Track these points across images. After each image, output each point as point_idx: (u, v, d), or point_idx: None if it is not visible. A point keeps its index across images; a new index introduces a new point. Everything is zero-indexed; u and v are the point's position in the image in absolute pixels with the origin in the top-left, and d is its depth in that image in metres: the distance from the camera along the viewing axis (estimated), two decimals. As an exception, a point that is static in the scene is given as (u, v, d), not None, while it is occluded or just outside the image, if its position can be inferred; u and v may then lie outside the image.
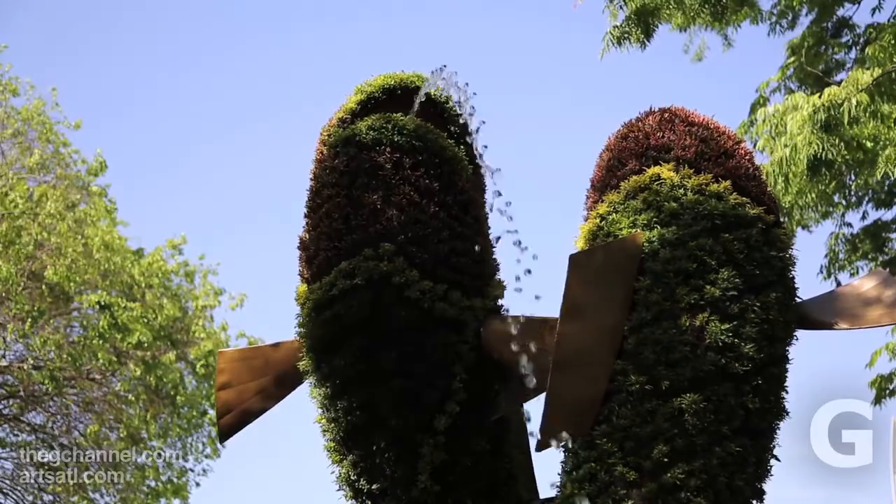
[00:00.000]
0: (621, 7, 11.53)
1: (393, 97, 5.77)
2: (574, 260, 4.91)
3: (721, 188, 5.13)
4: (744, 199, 5.15)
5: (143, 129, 33.51)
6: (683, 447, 4.66)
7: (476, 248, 5.57)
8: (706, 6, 11.49)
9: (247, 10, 35.93)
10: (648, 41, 11.56)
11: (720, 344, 4.78)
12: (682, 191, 5.12)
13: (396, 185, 5.38)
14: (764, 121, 11.79)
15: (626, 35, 11.43)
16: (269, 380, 5.91)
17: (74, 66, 33.69)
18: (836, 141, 10.02)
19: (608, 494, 4.68)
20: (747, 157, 5.43)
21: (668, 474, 4.61)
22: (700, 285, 4.87)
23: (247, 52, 36.86)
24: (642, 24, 11.40)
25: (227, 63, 36.66)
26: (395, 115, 5.60)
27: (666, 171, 5.20)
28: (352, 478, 5.35)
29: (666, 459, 4.64)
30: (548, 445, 4.93)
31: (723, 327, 4.80)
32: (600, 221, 5.27)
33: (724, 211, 5.06)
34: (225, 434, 6.15)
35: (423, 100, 5.75)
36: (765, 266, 5.03)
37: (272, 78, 37.48)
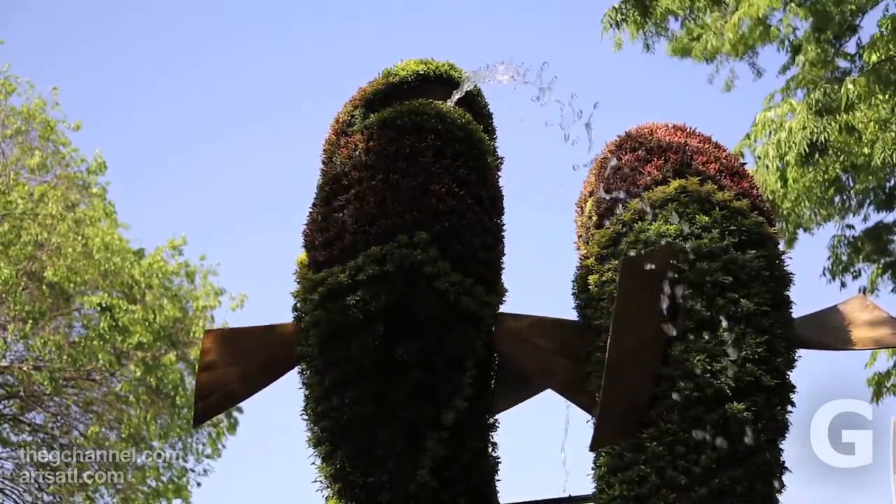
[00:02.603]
0: None
1: (425, 84, 5.64)
2: (626, 263, 4.97)
3: (743, 205, 5.29)
4: (761, 218, 5.34)
5: (143, 129, 33.51)
6: (729, 454, 4.78)
7: (500, 244, 5.55)
8: None
9: (247, 10, 35.98)
10: (647, 21, 11.53)
11: (756, 357, 4.92)
12: (708, 205, 5.24)
13: (436, 174, 5.28)
14: (763, 125, 11.85)
15: (624, 18, 11.40)
16: (258, 364, 5.56)
17: (74, 65, 33.69)
18: (832, 124, 10.02)
19: (659, 497, 4.77)
20: (754, 179, 5.65)
21: (717, 480, 4.74)
22: (735, 298, 5.00)
23: (247, 52, 36.87)
24: (640, 6, 11.37)
25: (227, 63, 36.67)
26: (437, 102, 5.48)
27: (692, 185, 5.31)
28: (347, 470, 5.19)
29: (714, 465, 4.75)
30: (602, 446, 4.97)
31: (758, 340, 4.95)
32: (622, 227, 5.34)
33: (748, 228, 5.22)
34: (201, 418, 5.92)
35: (462, 94, 5.63)
36: (780, 283, 5.22)
37: (272, 78, 37.48)
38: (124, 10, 34.99)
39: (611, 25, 11.47)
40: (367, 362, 5.12)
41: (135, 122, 34.53)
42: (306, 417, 5.44)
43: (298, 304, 5.51)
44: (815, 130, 10.07)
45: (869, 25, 14.53)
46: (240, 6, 37.31)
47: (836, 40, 13.46)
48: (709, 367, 4.87)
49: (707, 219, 5.18)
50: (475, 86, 5.75)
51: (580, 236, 5.91)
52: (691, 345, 4.92)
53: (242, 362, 5.54)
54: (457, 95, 5.60)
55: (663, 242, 5.13)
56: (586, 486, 5.62)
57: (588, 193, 5.84)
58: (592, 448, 4.95)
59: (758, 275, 5.11)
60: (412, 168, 5.26)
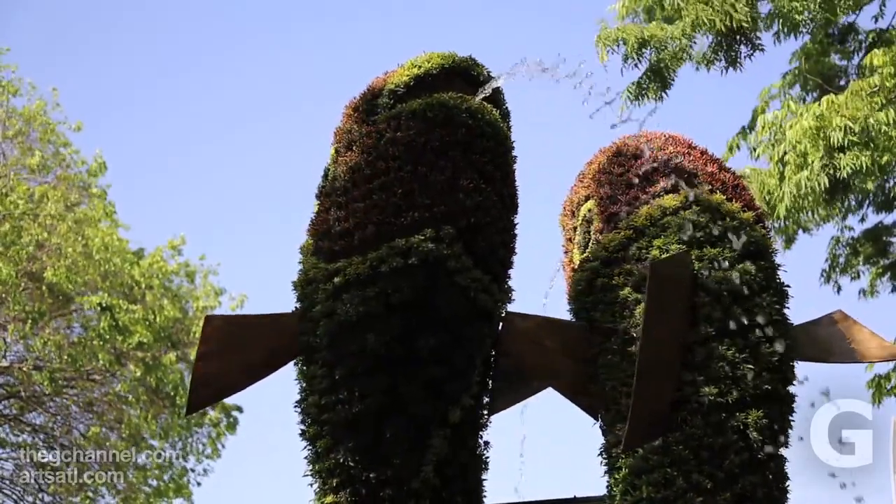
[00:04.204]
0: (636, 66, 11.54)
1: (449, 77, 5.52)
2: (655, 268, 5.03)
3: (750, 217, 5.40)
4: (764, 231, 5.47)
5: (143, 129, 33.53)
6: (749, 460, 4.92)
7: (514, 243, 5.54)
8: (719, 53, 11.50)
9: (247, 10, 35.96)
10: (667, 94, 11.65)
11: (771, 366, 5.08)
12: (718, 215, 5.35)
13: (464, 169, 5.20)
14: (763, 127, 11.87)
15: (643, 92, 11.49)
16: (259, 353, 5.36)
17: (74, 66, 33.69)
18: (855, 160, 9.99)
19: (686, 500, 4.86)
20: (751, 193, 5.80)
21: (739, 485, 4.87)
22: (750, 308, 5.12)
23: (247, 52, 36.89)
24: (658, 79, 11.46)
25: (227, 63, 36.69)
26: (466, 96, 5.41)
27: (703, 195, 5.40)
28: (349, 465, 5.09)
29: (737, 471, 4.88)
30: (634, 447, 5.02)
31: (771, 349, 5.08)
32: (633, 233, 5.41)
33: (757, 239, 5.34)
34: (194, 407, 5.74)
35: (491, 90, 5.56)
36: (782, 295, 5.35)
37: (272, 78, 37.51)
38: (124, 11, 35.02)
39: (631, 102, 11.51)
40: (384, 355, 5.03)
41: (135, 122, 34.57)
42: (302, 410, 5.31)
43: (304, 294, 5.34)
44: (837, 167, 10.04)
45: (866, 22, 14.49)
46: (240, 6, 37.33)
47: (834, 39, 13.46)
48: (730, 374, 4.98)
49: (721, 229, 5.26)
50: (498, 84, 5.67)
51: (570, 239, 5.97)
52: (713, 351, 5.02)
53: (243, 351, 5.34)
54: (486, 91, 5.53)
55: (674, 249, 5.21)
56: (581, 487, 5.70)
57: (584, 197, 5.88)
58: (625, 449, 5.00)
59: (768, 285, 5.23)
60: (441, 161, 5.17)
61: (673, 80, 11.66)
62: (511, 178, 5.55)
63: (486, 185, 5.26)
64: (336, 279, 5.13)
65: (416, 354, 5.04)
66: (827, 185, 10.10)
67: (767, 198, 11.10)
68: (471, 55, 5.67)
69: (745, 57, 11.48)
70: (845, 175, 10.04)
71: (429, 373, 5.06)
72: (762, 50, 11.50)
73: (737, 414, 4.94)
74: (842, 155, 10.03)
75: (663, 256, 5.19)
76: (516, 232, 5.59)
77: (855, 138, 9.92)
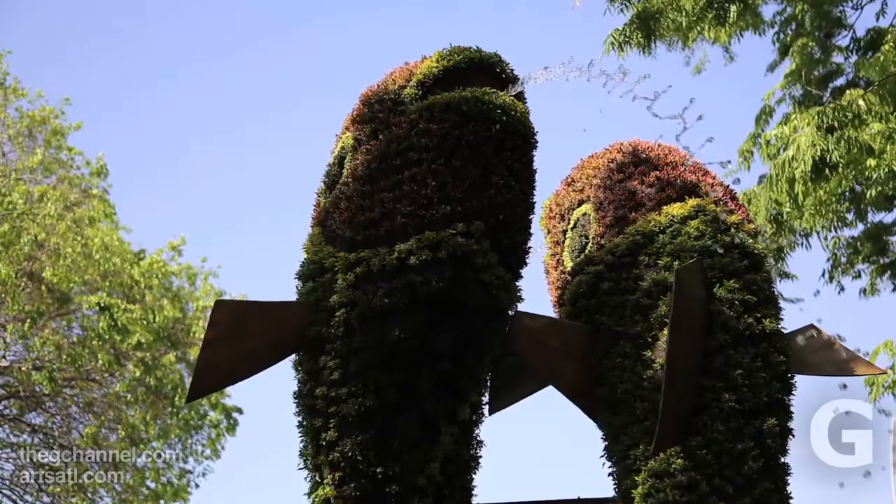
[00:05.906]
0: (622, 10, 11.43)
1: (476, 72, 5.42)
2: (680, 275, 5.08)
3: (750, 229, 5.50)
4: (762, 244, 5.59)
5: (143, 129, 33.56)
6: (764, 466, 5.01)
7: (530, 243, 5.53)
8: (709, 10, 11.39)
9: (247, 10, 36.01)
10: (650, 45, 11.51)
11: (779, 375, 5.18)
12: (723, 225, 5.42)
13: (495, 165, 5.15)
14: (766, 145, 11.88)
15: (627, 40, 11.35)
16: (263, 341, 5.23)
17: (74, 66, 33.74)
18: (840, 142, 9.97)
19: None
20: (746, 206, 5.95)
21: (757, 490, 4.95)
22: (759, 318, 5.21)
23: (247, 52, 36.95)
24: (643, 28, 11.32)
25: (227, 63, 36.75)
26: (499, 92, 5.32)
27: (707, 204, 5.48)
28: (357, 458, 4.98)
29: (755, 476, 4.97)
30: (664, 448, 5.06)
31: (779, 359, 5.19)
32: (641, 239, 5.45)
33: (758, 251, 5.44)
34: (197, 394, 5.65)
35: (517, 91, 5.50)
36: (778, 306, 5.45)
37: (272, 78, 37.56)
38: (124, 12, 35.05)
39: (613, 47, 11.38)
40: (404, 347, 4.97)
41: (135, 122, 34.60)
42: (303, 403, 5.23)
43: (316, 283, 5.23)
44: (823, 148, 9.99)
45: (868, 20, 14.50)
46: (240, 6, 37.37)
47: (826, 36, 13.44)
48: (746, 382, 5.06)
49: (727, 238, 5.34)
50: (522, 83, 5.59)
51: (558, 242, 5.99)
52: (730, 359, 5.09)
53: (248, 338, 5.21)
54: (517, 88, 5.47)
55: (686, 257, 5.26)
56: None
57: (576, 202, 5.89)
58: (655, 452, 5.03)
59: (771, 295, 5.34)
60: (475, 156, 5.10)
61: (657, 33, 11.52)
62: (533, 177, 5.48)
63: (514, 182, 5.22)
64: (358, 269, 5.04)
65: (433, 349, 5.00)
66: (815, 159, 10.02)
67: (778, 209, 11.07)
68: (496, 52, 5.59)
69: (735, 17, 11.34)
70: (835, 158, 10.02)
71: (443, 368, 5.02)
72: (756, 9, 11.37)
73: (752, 421, 5.02)
74: (830, 136, 10.00)
75: (680, 264, 5.23)
76: (532, 232, 5.57)
77: (846, 118, 9.89)
